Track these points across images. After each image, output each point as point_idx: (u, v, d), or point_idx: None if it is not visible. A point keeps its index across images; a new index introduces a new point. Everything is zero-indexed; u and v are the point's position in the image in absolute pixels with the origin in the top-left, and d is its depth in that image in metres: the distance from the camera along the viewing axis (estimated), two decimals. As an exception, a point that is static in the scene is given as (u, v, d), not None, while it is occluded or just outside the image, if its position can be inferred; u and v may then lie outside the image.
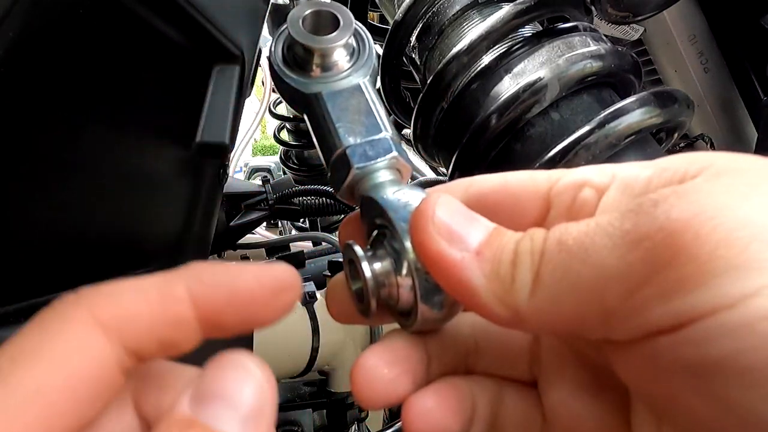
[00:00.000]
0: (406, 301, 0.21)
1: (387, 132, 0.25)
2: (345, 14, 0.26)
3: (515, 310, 0.18)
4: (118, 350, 0.17)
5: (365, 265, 0.21)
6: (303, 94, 0.26)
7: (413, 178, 1.13)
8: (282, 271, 0.18)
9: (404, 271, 0.21)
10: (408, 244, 0.20)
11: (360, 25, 0.27)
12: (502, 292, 0.18)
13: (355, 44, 0.27)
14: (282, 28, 0.27)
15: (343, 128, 0.24)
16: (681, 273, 0.14)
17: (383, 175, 0.24)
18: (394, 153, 0.24)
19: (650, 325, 0.15)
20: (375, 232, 0.23)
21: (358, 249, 0.21)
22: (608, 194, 0.19)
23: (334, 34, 0.26)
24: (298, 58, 0.26)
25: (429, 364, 0.22)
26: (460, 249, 0.18)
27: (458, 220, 0.19)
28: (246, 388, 0.17)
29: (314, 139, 0.26)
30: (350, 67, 0.26)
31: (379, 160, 0.24)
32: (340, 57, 0.26)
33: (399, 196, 0.22)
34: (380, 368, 0.21)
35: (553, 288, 0.17)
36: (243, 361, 0.17)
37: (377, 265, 0.21)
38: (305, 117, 0.27)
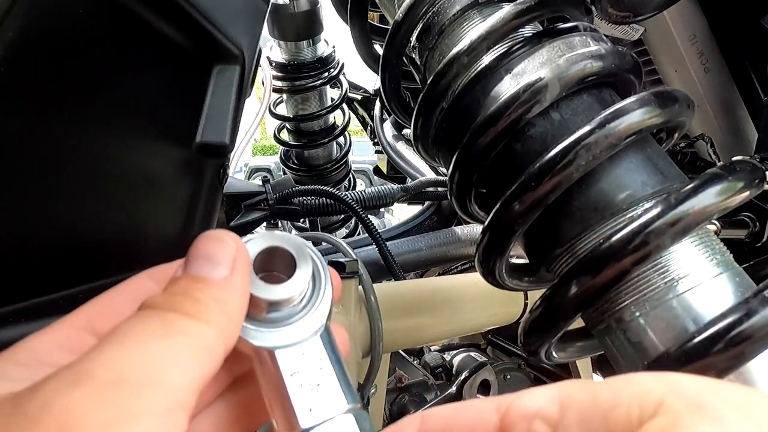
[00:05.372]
0: None
1: (349, 404, 0.22)
2: (302, 252, 0.24)
3: None
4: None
5: None
6: (251, 347, 0.23)
7: (413, 178, 1.13)
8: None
9: None
10: None
11: (317, 255, 0.25)
12: None
13: (311, 284, 0.24)
14: None
15: (299, 403, 0.21)
16: None
17: None
18: None
19: None
20: None
21: None
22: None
23: (288, 283, 0.23)
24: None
25: None
26: None
27: None
28: (216, 245, 0.22)
29: (265, 402, 0.23)
30: (304, 311, 0.23)
31: None
32: (292, 303, 0.23)
33: None
34: None
35: None
36: (219, 233, 0.23)
37: None
38: (255, 368, 0.23)
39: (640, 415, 0.17)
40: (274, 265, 0.24)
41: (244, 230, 0.79)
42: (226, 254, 0.22)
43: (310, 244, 0.25)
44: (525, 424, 0.20)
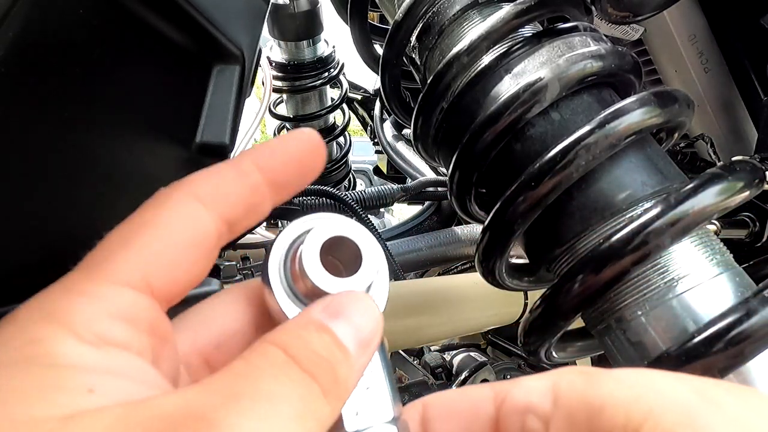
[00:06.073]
0: None
1: (394, 413, 0.21)
2: (370, 247, 0.22)
3: None
4: (216, 220, 0.21)
5: None
6: None
7: (413, 178, 1.13)
8: (308, 133, 0.23)
9: None
10: None
11: (381, 252, 0.23)
12: None
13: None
14: (289, 239, 0.22)
15: (347, 405, 0.21)
16: None
17: None
18: None
19: None
20: None
21: None
22: (554, 430, 0.19)
23: (357, 275, 0.22)
24: (302, 293, 0.22)
25: None
26: None
27: None
28: (368, 318, 0.20)
29: None
30: None
31: None
32: None
33: None
34: None
35: None
36: (369, 300, 0.21)
37: None
38: None
39: (624, 426, 0.17)
40: (337, 253, 0.23)
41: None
42: (372, 332, 0.20)
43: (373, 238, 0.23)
44: (519, 417, 0.20)
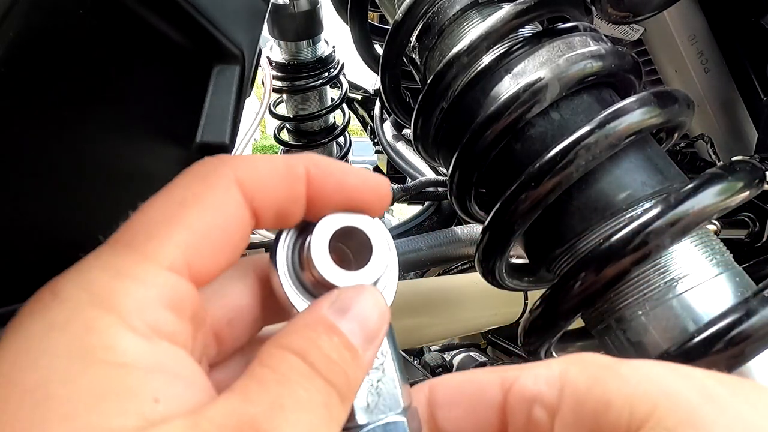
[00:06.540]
0: None
1: (404, 403, 0.21)
2: (381, 241, 0.22)
3: None
4: (249, 209, 0.20)
5: None
6: None
7: (413, 178, 1.13)
8: (381, 179, 0.22)
9: None
10: None
11: (391, 242, 0.23)
12: None
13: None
14: (296, 233, 0.22)
15: (358, 399, 0.21)
16: None
17: None
18: None
19: None
20: None
21: None
22: (560, 422, 0.19)
23: (366, 269, 0.21)
24: (308, 282, 0.22)
25: None
26: None
27: None
28: (374, 312, 0.20)
29: None
30: None
31: None
32: None
33: None
34: None
35: None
36: (375, 292, 0.21)
37: None
38: None
39: (628, 423, 0.17)
40: (347, 242, 0.22)
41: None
42: (378, 325, 0.20)
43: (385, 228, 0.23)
44: (525, 407, 0.20)
